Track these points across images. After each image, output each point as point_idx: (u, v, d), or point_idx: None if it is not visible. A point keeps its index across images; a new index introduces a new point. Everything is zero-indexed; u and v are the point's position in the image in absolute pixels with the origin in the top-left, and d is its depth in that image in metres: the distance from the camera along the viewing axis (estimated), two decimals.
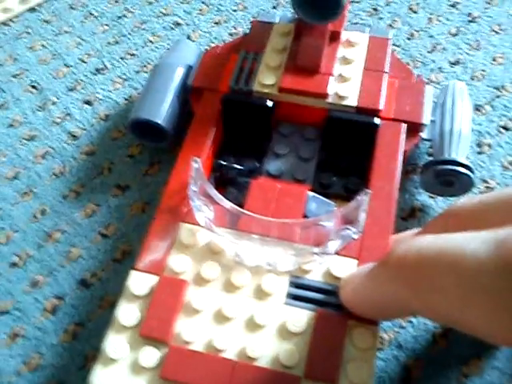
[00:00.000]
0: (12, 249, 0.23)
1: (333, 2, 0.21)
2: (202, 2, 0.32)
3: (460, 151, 0.21)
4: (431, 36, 0.29)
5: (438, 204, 0.23)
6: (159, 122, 0.23)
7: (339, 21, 0.22)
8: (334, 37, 0.23)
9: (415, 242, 0.14)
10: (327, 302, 0.17)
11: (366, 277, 0.16)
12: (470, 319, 0.13)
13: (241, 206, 0.20)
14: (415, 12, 0.30)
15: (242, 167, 0.22)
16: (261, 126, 0.22)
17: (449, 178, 0.21)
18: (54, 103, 0.28)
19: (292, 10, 0.21)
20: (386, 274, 0.15)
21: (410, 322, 0.20)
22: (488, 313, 0.13)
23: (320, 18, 0.21)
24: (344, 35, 0.24)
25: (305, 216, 0.19)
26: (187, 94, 0.24)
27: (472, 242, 0.13)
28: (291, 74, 0.22)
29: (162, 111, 0.23)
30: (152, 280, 0.18)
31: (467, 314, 0.13)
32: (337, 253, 0.18)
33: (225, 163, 0.22)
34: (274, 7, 0.31)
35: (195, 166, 0.19)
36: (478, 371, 0.19)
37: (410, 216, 0.22)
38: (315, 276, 0.18)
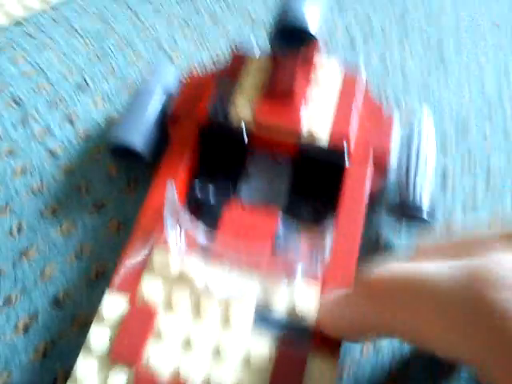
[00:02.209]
0: None
1: (305, 34, 0.21)
2: (186, 25, 0.33)
3: (424, 192, 0.22)
4: (404, 74, 0.31)
5: (402, 239, 0.24)
6: (137, 145, 0.23)
7: (312, 51, 0.23)
8: (308, 69, 0.24)
9: (390, 265, 0.15)
10: (290, 331, 0.18)
11: (343, 300, 0.17)
12: (433, 338, 0.14)
13: (214, 229, 0.21)
14: (391, 49, 0.32)
15: (216, 191, 0.22)
16: (235, 154, 0.23)
17: (412, 221, 0.22)
18: (34, 119, 0.28)
19: (268, 42, 0.22)
20: (362, 295, 0.16)
21: (372, 353, 0.21)
22: (448, 334, 0.14)
23: (296, 47, 0.22)
24: (319, 68, 0.25)
25: (274, 245, 0.20)
26: (166, 120, 0.25)
27: (443, 268, 0.14)
28: (266, 108, 0.23)
29: (140, 135, 0.24)
30: (124, 304, 0.19)
31: (431, 333, 0.14)
32: (301, 284, 0.19)
33: (199, 189, 0.22)
34: (254, 35, 0.32)
35: (170, 191, 0.20)
36: None
37: (373, 249, 0.23)
38: (280, 305, 0.19)
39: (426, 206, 0.22)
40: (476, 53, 0.32)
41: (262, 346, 0.18)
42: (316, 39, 0.21)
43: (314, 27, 0.21)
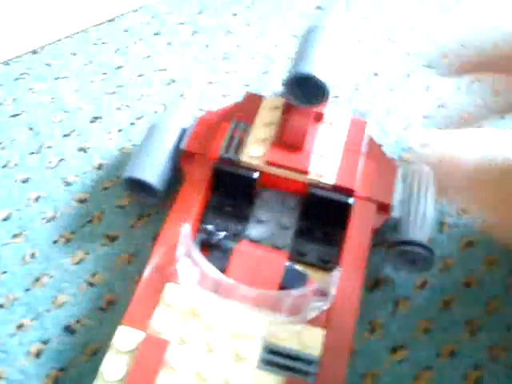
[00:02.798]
0: (0, 290, 0.24)
1: (320, 90, 0.23)
2: (198, 61, 0.34)
3: (423, 232, 0.23)
4: (406, 115, 0.32)
5: (401, 276, 0.25)
6: (152, 181, 0.25)
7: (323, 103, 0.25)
8: (318, 117, 0.26)
9: None
10: (296, 368, 0.19)
11: None
12: None
13: (224, 268, 0.22)
14: (392, 90, 0.33)
15: (226, 231, 0.24)
16: (245, 194, 0.24)
17: (411, 257, 0.23)
18: (49, 147, 0.29)
19: (282, 89, 0.24)
20: None
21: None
22: None
23: (308, 102, 0.24)
24: (327, 114, 0.26)
25: (281, 285, 0.21)
26: (179, 157, 0.26)
27: None
28: (277, 149, 0.24)
29: (155, 171, 0.25)
30: (137, 336, 0.20)
31: None
32: (307, 322, 0.20)
33: (210, 227, 0.24)
34: (265, 73, 0.34)
35: (184, 231, 0.21)
36: None
37: (374, 287, 0.25)
38: (286, 343, 0.20)
39: (425, 241, 0.23)
40: None
41: (269, 380, 0.19)
42: (329, 93, 0.22)
43: (327, 79, 0.22)
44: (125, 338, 0.20)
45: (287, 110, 0.25)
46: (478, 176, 0.18)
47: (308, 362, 0.20)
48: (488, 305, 0.24)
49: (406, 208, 0.24)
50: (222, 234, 0.23)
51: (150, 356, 0.19)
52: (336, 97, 0.33)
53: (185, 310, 0.21)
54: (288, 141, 0.24)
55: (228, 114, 0.27)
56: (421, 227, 0.23)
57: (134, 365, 0.19)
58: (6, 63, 0.33)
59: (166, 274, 0.21)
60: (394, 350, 0.23)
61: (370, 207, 0.24)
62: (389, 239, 0.24)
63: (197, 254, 0.21)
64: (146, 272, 0.22)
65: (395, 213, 0.24)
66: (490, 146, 0.19)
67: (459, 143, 0.20)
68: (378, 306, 0.24)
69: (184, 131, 0.27)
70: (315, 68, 0.22)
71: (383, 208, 0.24)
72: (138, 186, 0.26)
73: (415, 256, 0.23)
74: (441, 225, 0.27)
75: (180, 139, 0.26)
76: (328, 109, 0.26)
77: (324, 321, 0.20)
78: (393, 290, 0.24)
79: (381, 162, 0.25)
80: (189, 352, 0.20)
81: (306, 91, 0.23)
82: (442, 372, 0.22)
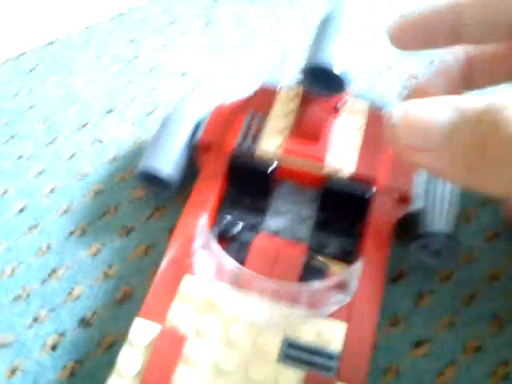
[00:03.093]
0: (16, 281, 0.24)
1: (339, 81, 0.22)
2: (212, 53, 0.34)
3: (447, 223, 0.23)
4: None
5: (425, 269, 0.24)
6: (167, 174, 0.24)
7: (342, 93, 0.24)
8: (336, 107, 0.25)
9: None
10: (317, 363, 0.19)
11: None
12: None
13: (242, 260, 0.21)
14: (415, 77, 0.32)
15: (244, 223, 0.23)
16: (263, 185, 0.24)
17: (435, 248, 0.22)
18: (64, 139, 0.29)
19: (299, 77, 0.23)
20: None
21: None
22: None
23: (326, 92, 0.23)
24: (345, 105, 0.25)
25: (301, 277, 0.21)
26: (193, 149, 0.25)
27: None
28: (294, 140, 0.24)
29: (170, 163, 0.24)
30: (154, 328, 0.19)
31: None
32: (328, 316, 0.20)
33: (228, 218, 0.23)
34: (280, 63, 0.33)
35: (201, 222, 0.21)
36: None
37: (396, 279, 0.24)
38: (307, 337, 0.19)
39: (449, 232, 0.22)
40: None
41: (290, 374, 0.18)
42: (348, 84, 0.22)
43: (346, 70, 0.22)
44: (141, 331, 0.19)
45: (305, 100, 0.25)
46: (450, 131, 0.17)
47: (329, 356, 0.19)
48: None
49: (429, 198, 0.23)
50: (240, 225, 0.23)
51: (167, 349, 0.19)
52: (355, 87, 0.32)
53: (202, 303, 0.20)
54: (306, 131, 0.24)
55: (243, 106, 0.26)
56: (444, 218, 0.23)
57: (150, 358, 0.19)
58: (21, 56, 0.33)
59: (183, 266, 0.21)
60: (417, 344, 0.22)
61: (391, 198, 0.23)
62: (412, 231, 0.24)
63: (215, 245, 0.20)
64: (163, 264, 0.21)
65: (417, 203, 0.23)
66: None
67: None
68: (401, 299, 0.23)
69: (199, 123, 0.26)
70: (335, 59, 0.21)
71: (405, 199, 0.23)
72: (152, 179, 0.25)
73: (439, 247, 0.22)
74: (465, 216, 0.26)
75: (195, 131, 0.26)
76: (347, 99, 0.25)
77: (345, 314, 0.20)
78: (416, 282, 0.24)
79: None
80: (207, 345, 0.19)
81: (324, 81, 0.23)
82: (467, 367, 0.22)
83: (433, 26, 0.22)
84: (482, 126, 0.16)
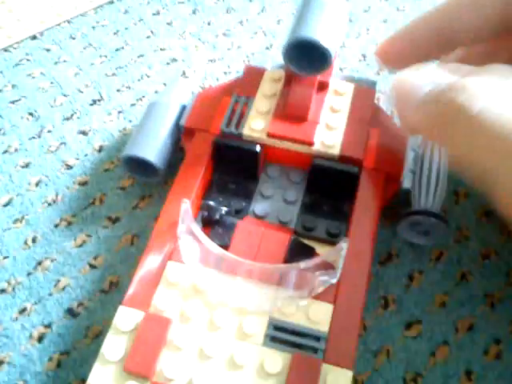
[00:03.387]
0: (2, 274, 0.24)
1: (322, 56, 0.22)
2: (198, 39, 0.33)
3: (436, 202, 0.22)
4: None
5: (416, 250, 0.24)
6: (152, 160, 0.24)
7: (327, 71, 0.24)
8: (322, 86, 0.24)
9: None
10: (303, 344, 0.18)
11: None
12: None
13: (227, 245, 0.21)
14: None
15: (229, 208, 0.23)
16: (249, 169, 0.23)
17: (424, 228, 0.22)
18: (49, 131, 0.29)
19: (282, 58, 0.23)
20: None
21: (383, 366, 0.21)
22: None
23: (309, 70, 0.23)
24: (331, 84, 0.25)
25: (286, 260, 0.20)
26: (179, 133, 0.25)
27: None
28: (279, 121, 0.23)
29: (154, 149, 0.24)
30: (138, 316, 0.19)
31: None
32: (314, 297, 0.19)
33: (212, 203, 0.23)
34: (267, 48, 0.33)
35: (184, 208, 0.21)
36: None
37: (387, 261, 0.23)
38: (293, 319, 0.19)
39: (437, 211, 0.22)
40: None
41: (276, 357, 0.18)
42: (330, 58, 0.21)
43: (328, 43, 0.21)
44: (125, 318, 0.19)
45: (289, 80, 0.24)
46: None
47: (316, 338, 0.19)
48: (508, 276, 0.23)
49: (417, 178, 0.23)
50: (224, 209, 0.22)
51: (152, 334, 0.18)
52: (343, 68, 0.32)
53: (187, 288, 0.20)
54: (291, 112, 0.23)
55: (228, 89, 0.26)
56: (433, 197, 0.22)
57: (134, 343, 0.18)
58: (6, 50, 0.33)
59: (167, 253, 0.21)
60: (409, 325, 0.22)
61: (378, 178, 0.23)
62: (401, 211, 0.23)
63: (198, 230, 0.20)
64: (147, 251, 0.21)
65: (405, 183, 0.23)
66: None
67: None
68: (392, 280, 0.23)
69: (184, 108, 0.26)
70: (315, 32, 0.21)
71: (393, 178, 0.23)
72: (138, 166, 0.25)
73: (428, 227, 0.22)
74: (455, 195, 0.26)
75: (180, 116, 0.25)
76: (332, 79, 0.25)
77: (332, 295, 0.19)
78: (406, 264, 0.23)
79: (390, 132, 0.24)
80: (191, 330, 0.19)
81: (307, 59, 0.22)
82: (460, 347, 0.21)
83: (423, 37, 0.22)
84: (440, 105, 0.17)
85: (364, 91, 0.25)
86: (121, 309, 0.19)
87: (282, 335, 0.19)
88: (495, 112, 0.17)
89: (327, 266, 0.19)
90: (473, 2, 0.21)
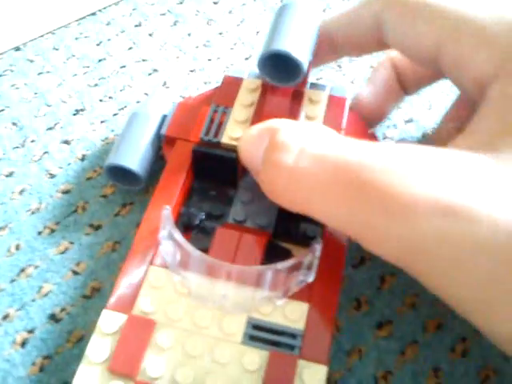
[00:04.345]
0: None
1: (295, 69, 0.23)
2: (179, 50, 0.34)
3: None
4: None
5: None
6: (134, 168, 0.25)
7: (302, 81, 0.25)
8: (297, 95, 0.25)
9: None
10: (280, 342, 0.19)
11: None
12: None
13: (206, 250, 0.22)
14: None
15: (209, 213, 0.24)
16: (228, 175, 0.24)
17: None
18: (33, 141, 0.29)
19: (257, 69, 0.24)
20: None
21: (356, 365, 0.22)
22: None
23: (283, 82, 0.24)
24: (306, 93, 0.26)
25: (263, 263, 0.21)
26: (160, 142, 0.26)
27: None
28: None
29: (137, 158, 0.25)
30: (122, 319, 0.20)
31: None
32: (291, 296, 0.20)
33: (193, 209, 0.23)
34: (247, 58, 0.34)
35: (165, 214, 0.21)
36: None
37: (360, 264, 0.24)
38: (270, 318, 0.20)
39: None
40: None
41: (254, 354, 0.19)
42: (303, 69, 0.22)
43: (300, 55, 0.22)
44: (110, 321, 0.20)
45: (265, 90, 0.25)
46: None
47: (292, 335, 0.19)
48: None
49: None
50: (203, 215, 0.23)
51: (136, 335, 0.19)
52: (319, 79, 0.33)
53: (168, 292, 0.21)
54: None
55: (208, 98, 0.27)
56: None
57: (118, 345, 0.19)
58: None
59: (149, 257, 0.21)
60: (380, 325, 0.23)
61: None
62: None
63: (178, 235, 0.21)
64: (129, 256, 0.22)
65: None
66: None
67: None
68: (364, 282, 0.24)
69: (165, 117, 0.27)
70: (288, 44, 0.22)
71: None
72: (120, 175, 0.26)
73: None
74: None
75: (161, 125, 0.26)
76: (307, 88, 0.26)
77: (307, 295, 0.20)
78: (378, 267, 0.24)
79: (361, 137, 0.25)
80: (174, 331, 0.19)
81: (281, 70, 0.23)
82: (427, 346, 0.22)
83: (359, 32, 0.24)
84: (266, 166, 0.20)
85: (337, 99, 0.26)
86: (105, 312, 0.20)
87: (260, 334, 0.19)
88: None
89: (302, 266, 0.20)
90: (349, 22, 0.24)
